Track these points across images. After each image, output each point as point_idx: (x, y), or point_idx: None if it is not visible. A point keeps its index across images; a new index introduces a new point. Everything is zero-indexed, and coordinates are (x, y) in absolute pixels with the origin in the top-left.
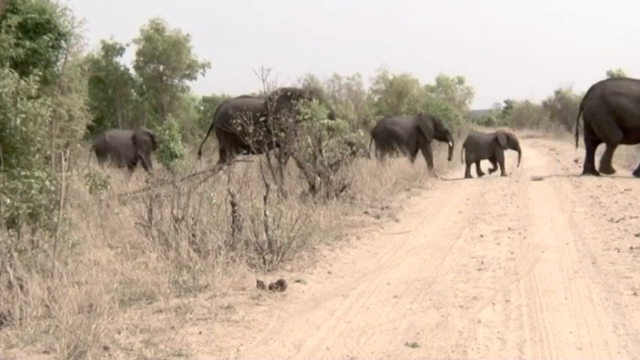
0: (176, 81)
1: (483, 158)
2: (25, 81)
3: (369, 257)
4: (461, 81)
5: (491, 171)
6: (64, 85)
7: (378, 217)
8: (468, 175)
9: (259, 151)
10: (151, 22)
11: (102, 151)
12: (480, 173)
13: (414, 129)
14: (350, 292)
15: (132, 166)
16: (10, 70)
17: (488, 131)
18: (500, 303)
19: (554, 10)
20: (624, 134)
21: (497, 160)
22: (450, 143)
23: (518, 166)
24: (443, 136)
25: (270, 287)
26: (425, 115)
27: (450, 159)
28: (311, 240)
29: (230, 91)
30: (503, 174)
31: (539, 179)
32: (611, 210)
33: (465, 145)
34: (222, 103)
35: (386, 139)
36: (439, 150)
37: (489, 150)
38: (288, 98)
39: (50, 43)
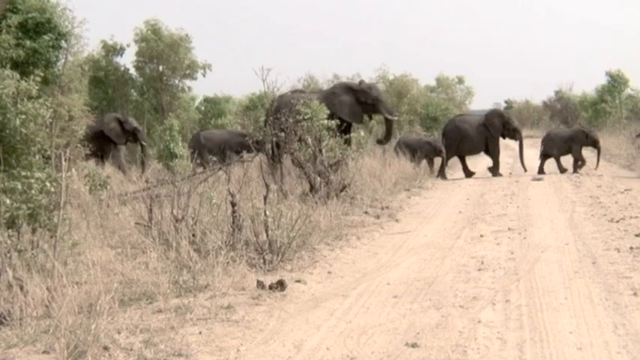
0: (176, 81)
1: (561, 155)
2: (26, 81)
3: (369, 257)
4: (461, 81)
5: (575, 168)
6: (65, 85)
7: (378, 217)
8: (541, 171)
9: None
10: (145, 23)
11: None
12: (562, 170)
13: (483, 127)
14: (350, 292)
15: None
16: (11, 72)
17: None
18: (500, 303)
19: (554, 10)
20: None
21: (572, 156)
22: (519, 141)
23: (596, 167)
24: (512, 134)
25: (270, 287)
26: (493, 111)
27: (521, 159)
28: (311, 240)
29: (230, 91)
30: (575, 171)
31: (539, 179)
32: (611, 210)
33: (543, 141)
34: (275, 97)
35: (455, 138)
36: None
37: (566, 146)
38: (350, 90)
39: (50, 43)
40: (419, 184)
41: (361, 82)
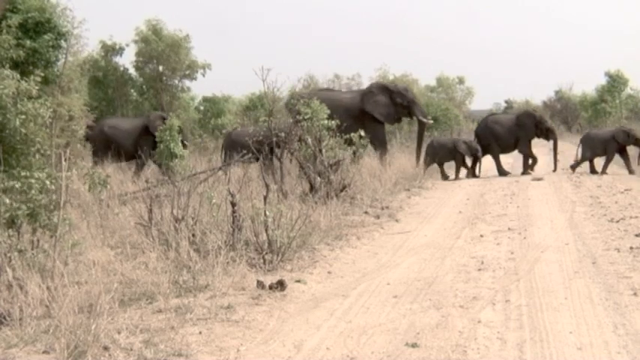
0: (176, 81)
1: (598, 155)
2: (26, 81)
3: (369, 257)
4: (461, 81)
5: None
6: (65, 85)
7: (378, 217)
8: (593, 171)
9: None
10: (146, 23)
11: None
12: (594, 171)
13: (515, 127)
14: (350, 292)
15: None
16: (11, 72)
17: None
18: (500, 303)
19: (554, 10)
20: None
21: (606, 157)
22: (553, 142)
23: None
24: (545, 133)
25: (270, 287)
26: (525, 112)
27: (555, 159)
28: (311, 240)
29: (230, 91)
30: (603, 172)
31: (539, 179)
32: (611, 210)
33: (581, 142)
34: (304, 95)
35: (486, 138)
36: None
37: (603, 147)
38: (386, 90)
39: (50, 43)
40: (419, 184)
41: (394, 83)
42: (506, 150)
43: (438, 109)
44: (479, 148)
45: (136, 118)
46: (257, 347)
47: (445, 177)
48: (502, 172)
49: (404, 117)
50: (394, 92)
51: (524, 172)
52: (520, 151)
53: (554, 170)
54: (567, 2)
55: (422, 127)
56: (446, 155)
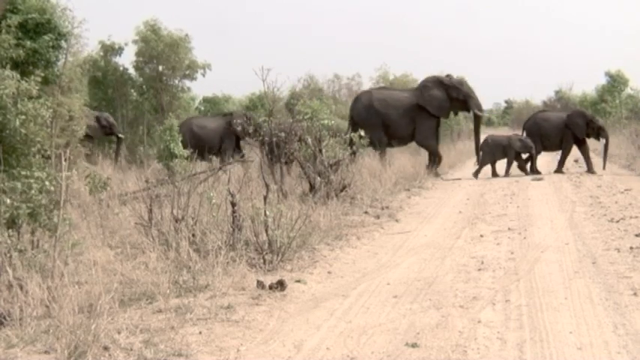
0: (176, 81)
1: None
2: (26, 82)
3: (369, 257)
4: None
5: None
6: (65, 85)
7: (378, 217)
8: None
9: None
10: (145, 23)
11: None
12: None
13: (564, 125)
14: (350, 292)
15: None
16: (11, 72)
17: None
18: (500, 303)
19: (554, 10)
20: None
21: None
22: (604, 140)
23: None
24: (596, 133)
25: (270, 287)
26: (575, 112)
27: (604, 158)
28: (311, 240)
29: (230, 91)
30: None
31: (539, 179)
32: (611, 210)
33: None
34: (360, 94)
35: (534, 134)
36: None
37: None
38: (441, 84)
39: (50, 43)
40: (419, 184)
41: (448, 76)
42: (551, 148)
43: None
44: (533, 145)
45: (220, 116)
46: (257, 347)
47: (495, 175)
48: (535, 171)
49: (460, 111)
50: (449, 86)
51: (558, 170)
52: (563, 149)
53: (604, 169)
54: (567, 2)
55: (478, 120)
56: (500, 152)
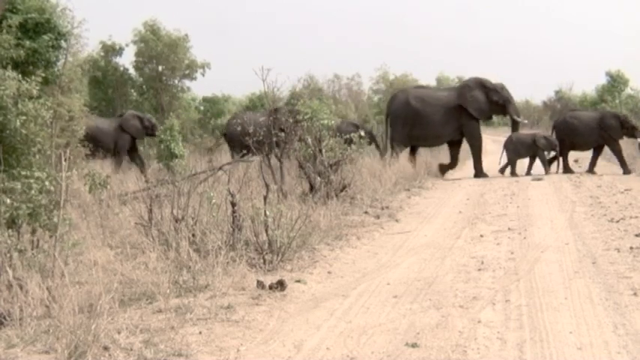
0: (176, 81)
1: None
2: (27, 82)
3: (369, 257)
4: (460, 81)
5: None
6: (65, 85)
7: (378, 217)
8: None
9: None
10: (144, 24)
11: None
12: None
13: (597, 127)
14: (350, 292)
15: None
16: (12, 72)
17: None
18: (500, 303)
19: (554, 10)
20: None
21: None
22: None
23: None
24: (631, 132)
25: (270, 287)
26: (608, 113)
27: None
28: (311, 240)
29: (230, 91)
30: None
31: (539, 179)
32: (611, 210)
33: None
34: (397, 92)
35: (565, 133)
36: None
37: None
38: (482, 87)
39: (50, 43)
40: (419, 184)
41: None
42: (581, 147)
43: None
44: (557, 143)
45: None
46: (257, 347)
47: (514, 174)
48: (568, 170)
49: (497, 115)
50: (490, 89)
51: (590, 171)
52: (613, 151)
53: None
54: (567, 2)
55: (516, 126)
56: (525, 150)
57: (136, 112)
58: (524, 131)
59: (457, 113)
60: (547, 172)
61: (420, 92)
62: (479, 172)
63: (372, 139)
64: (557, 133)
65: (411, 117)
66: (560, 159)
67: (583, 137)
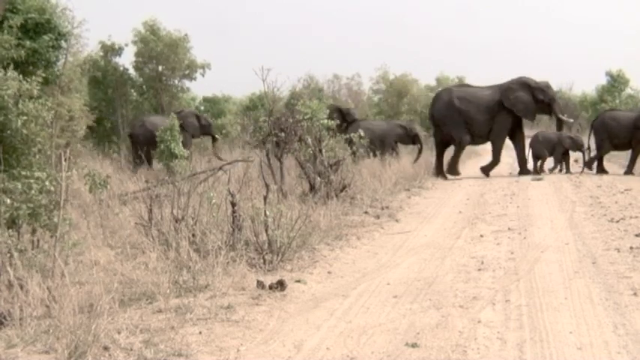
0: (176, 81)
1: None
2: (28, 82)
3: (369, 257)
4: (461, 81)
5: None
6: (64, 85)
7: (378, 217)
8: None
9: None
10: (144, 24)
11: None
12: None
13: (633, 126)
14: (350, 292)
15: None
16: (13, 72)
17: None
18: (500, 303)
19: (554, 10)
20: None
21: None
22: None
23: None
24: None
25: (270, 287)
26: None
27: None
28: (311, 240)
29: (230, 91)
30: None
31: (539, 179)
32: (611, 210)
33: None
34: (440, 91)
35: (602, 133)
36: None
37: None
38: (527, 87)
39: (50, 43)
40: (419, 184)
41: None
42: (620, 147)
43: None
44: (584, 143)
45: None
46: (257, 347)
47: (537, 172)
48: (601, 170)
49: (542, 114)
50: (536, 89)
51: (628, 172)
52: (633, 150)
53: None
54: (567, 2)
55: (561, 125)
56: (550, 149)
57: (194, 110)
58: (549, 130)
59: (498, 111)
60: (553, 171)
61: (463, 91)
62: (490, 167)
63: (415, 139)
64: (595, 134)
65: (456, 116)
66: (592, 159)
67: (621, 137)
